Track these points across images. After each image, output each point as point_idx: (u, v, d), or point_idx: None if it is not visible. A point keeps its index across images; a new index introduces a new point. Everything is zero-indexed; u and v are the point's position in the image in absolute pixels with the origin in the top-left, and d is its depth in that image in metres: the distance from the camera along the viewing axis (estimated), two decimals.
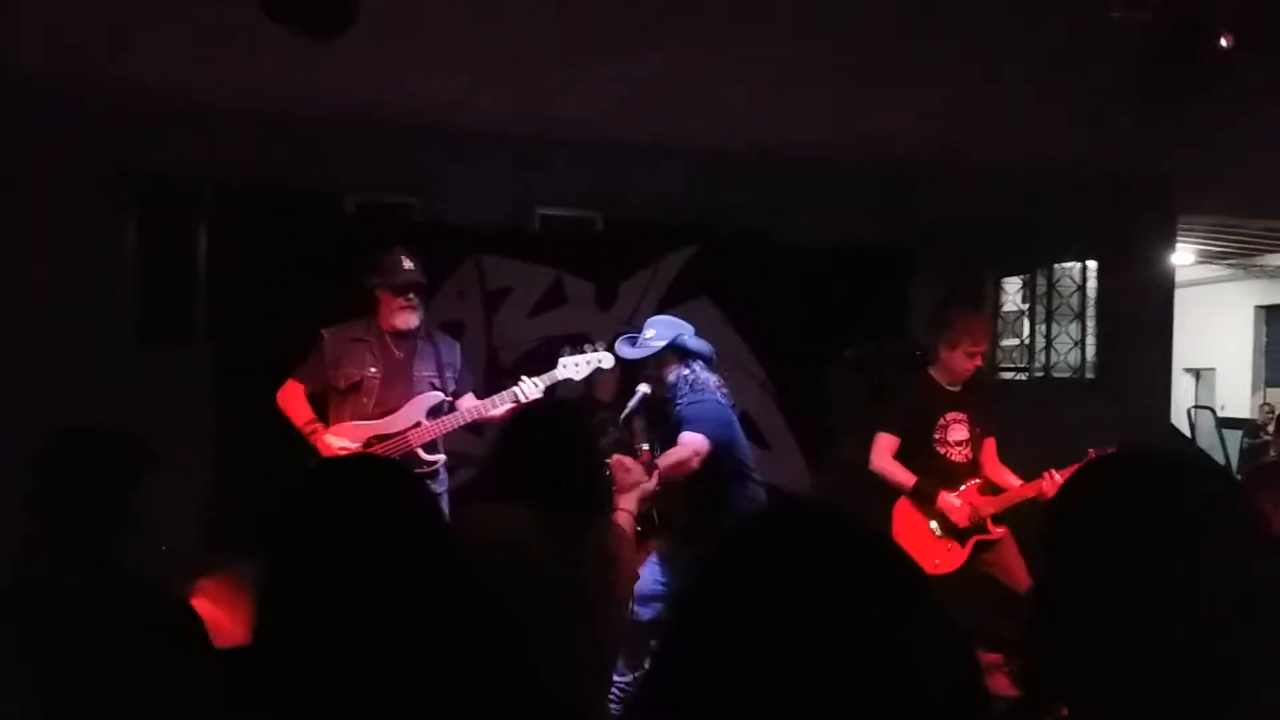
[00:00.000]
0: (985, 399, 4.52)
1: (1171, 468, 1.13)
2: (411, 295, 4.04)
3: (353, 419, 4.01)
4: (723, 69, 4.95)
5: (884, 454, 4.34)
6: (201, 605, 3.11)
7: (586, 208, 6.58)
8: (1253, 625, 1.02)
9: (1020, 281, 7.98)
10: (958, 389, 4.38)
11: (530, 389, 4.02)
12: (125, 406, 5.03)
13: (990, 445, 4.47)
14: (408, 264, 4.04)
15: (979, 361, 4.39)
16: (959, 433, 4.37)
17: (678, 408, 3.82)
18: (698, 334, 3.99)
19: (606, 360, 4.16)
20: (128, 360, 5.63)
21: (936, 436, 4.35)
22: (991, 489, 4.38)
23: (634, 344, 3.97)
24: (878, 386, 4.93)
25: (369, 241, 5.40)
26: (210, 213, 5.95)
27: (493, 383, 5.14)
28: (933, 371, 4.41)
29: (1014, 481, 4.35)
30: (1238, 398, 13.28)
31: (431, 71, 5.06)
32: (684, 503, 3.79)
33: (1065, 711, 1.11)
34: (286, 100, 5.52)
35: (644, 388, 3.88)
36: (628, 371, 4.30)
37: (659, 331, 3.92)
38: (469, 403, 4.14)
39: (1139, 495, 1.10)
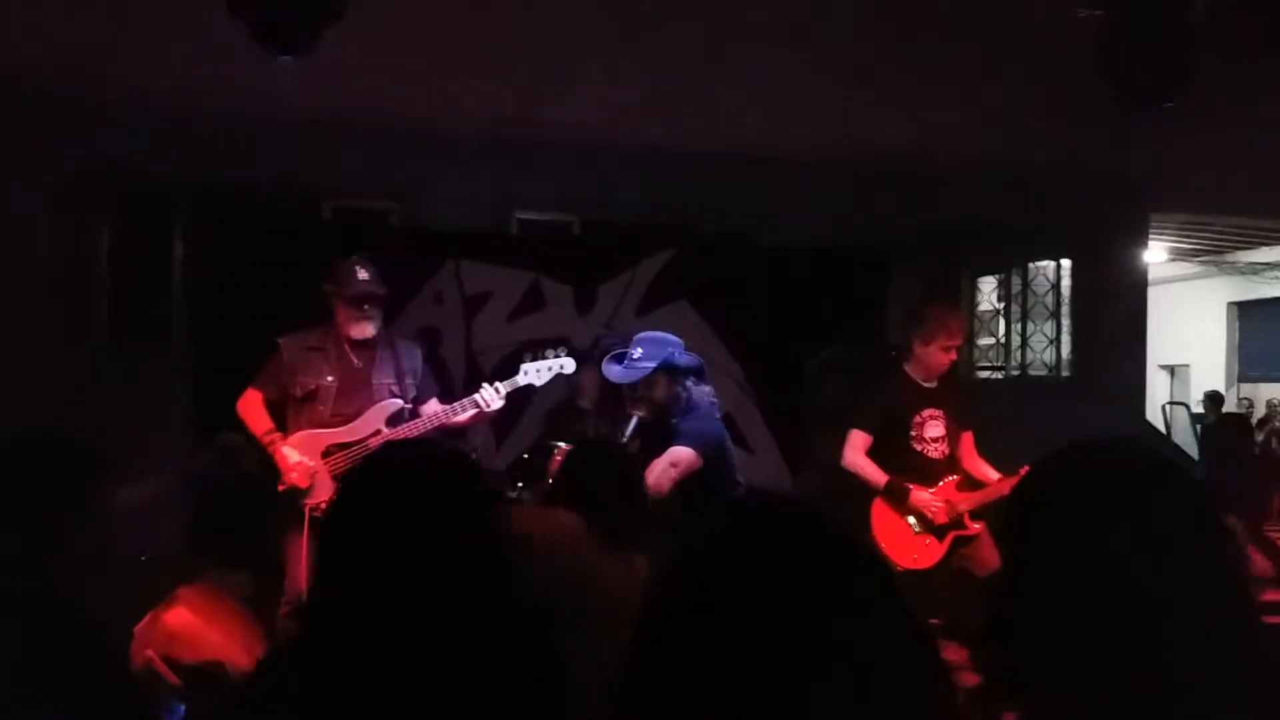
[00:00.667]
0: (961, 394, 4.55)
1: (1130, 460, 1.14)
2: (366, 306, 3.96)
3: (310, 427, 3.95)
4: (704, 73, 4.98)
5: (857, 451, 4.35)
6: (180, 614, 3.09)
7: (564, 211, 6.59)
8: (1208, 614, 1.04)
9: (995, 281, 8.04)
10: (933, 385, 4.40)
11: (491, 396, 4.00)
12: (103, 409, 5.01)
13: (968, 440, 4.49)
14: (362, 274, 3.95)
15: (954, 356, 4.41)
16: (935, 429, 4.39)
17: (675, 424, 3.73)
18: (677, 337, 3.95)
19: (569, 365, 4.18)
20: (105, 363, 5.61)
21: (913, 434, 4.36)
22: (970, 484, 4.41)
23: (620, 361, 3.85)
24: (854, 386, 4.95)
25: (346, 246, 5.39)
26: (189, 216, 5.94)
27: (473, 388, 5.13)
28: (908, 369, 4.42)
29: (993, 476, 4.37)
30: None
31: (410, 77, 5.06)
32: (673, 507, 3.77)
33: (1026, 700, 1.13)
34: (264, 105, 5.49)
35: (638, 414, 3.75)
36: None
37: (647, 351, 3.79)
38: (431, 408, 4.10)
39: (1096, 486, 1.12)
